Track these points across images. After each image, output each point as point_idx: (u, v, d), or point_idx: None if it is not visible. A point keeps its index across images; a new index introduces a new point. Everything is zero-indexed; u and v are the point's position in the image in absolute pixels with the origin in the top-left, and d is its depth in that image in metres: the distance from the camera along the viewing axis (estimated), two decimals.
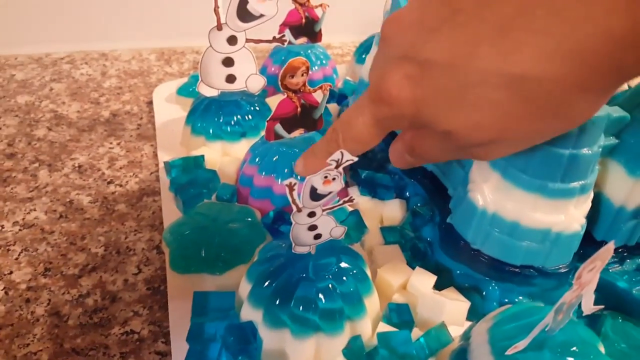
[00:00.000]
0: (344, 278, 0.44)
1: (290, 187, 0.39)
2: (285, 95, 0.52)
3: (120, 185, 0.62)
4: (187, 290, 0.48)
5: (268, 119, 0.53)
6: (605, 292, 0.49)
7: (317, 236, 0.43)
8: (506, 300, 0.48)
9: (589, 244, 0.50)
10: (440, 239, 0.52)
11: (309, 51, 0.73)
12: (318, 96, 0.54)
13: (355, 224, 0.54)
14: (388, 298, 0.48)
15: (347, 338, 0.44)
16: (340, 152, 0.38)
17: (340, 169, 0.39)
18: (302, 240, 0.43)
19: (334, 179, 0.40)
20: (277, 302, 0.43)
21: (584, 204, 0.46)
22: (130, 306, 0.49)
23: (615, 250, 0.50)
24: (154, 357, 0.46)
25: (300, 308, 0.42)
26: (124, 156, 0.66)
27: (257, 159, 0.56)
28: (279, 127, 0.54)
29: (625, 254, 0.50)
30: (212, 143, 0.63)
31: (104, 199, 0.60)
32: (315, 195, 0.40)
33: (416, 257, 0.53)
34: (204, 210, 0.53)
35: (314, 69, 0.72)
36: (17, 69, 0.81)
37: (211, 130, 0.63)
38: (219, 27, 0.60)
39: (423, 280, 0.48)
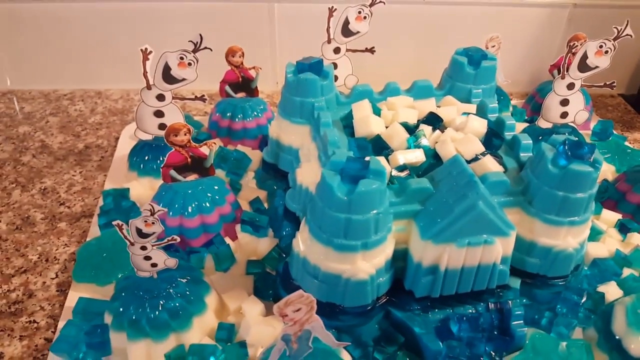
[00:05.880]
0: (176, 301, 0.56)
1: (119, 227, 0.52)
2: (174, 149, 0.66)
3: (69, 207, 0.78)
4: (83, 294, 0.62)
5: (162, 166, 0.67)
6: (404, 332, 0.59)
7: (154, 265, 0.56)
8: None
9: (401, 291, 0.60)
10: (282, 273, 0.63)
11: (247, 104, 0.86)
12: (205, 150, 0.67)
13: (226, 255, 0.67)
14: (225, 318, 0.60)
15: (172, 345, 0.56)
16: (151, 204, 0.51)
17: (156, 215, 0.52)
18: (142, 267, 0.56)
19: (153, 223, 0.53)
20: (121, 310, 0.56)
21: (375, 258, 0.55)
22: (40, 302, 0.64)
23: (419, 300, 0.59)
24: (42, 341, 0.60)
25: (134, 317, 0.55)
26: (81, 183, 0.82)
27: (160, 204, 0.68)
28: (174, 173, 0.68)
29: (428, 304, 0.59)
30: (141, 178, 0.77)
31: (52, 217, 0.76)
32: (141, 234, 0.53)
33: (267, 289, 0.64)
34: (111, 235, 0.68)
35: (248, 119, 0.85)
36: (28, 102, 1.00)
37: (142, 167, 0.77)
38: (149, 87, 0.75)
39: (252, 306, 0.60)
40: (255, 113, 0.86)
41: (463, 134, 0.64)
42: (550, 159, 0.57)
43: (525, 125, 0.88)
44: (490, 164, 0.60)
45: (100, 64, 1.05)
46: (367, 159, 0.54)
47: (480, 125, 0.65)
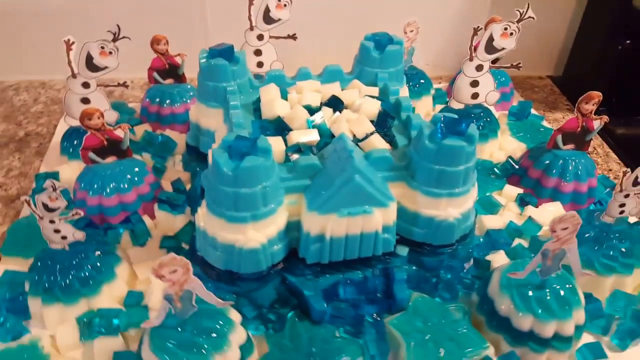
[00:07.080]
0: (86, 270, 0.62)
1: (27, 202, 0.58)
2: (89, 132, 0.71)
3: (5, 190, 0.82)
4: (11, 267, 0.68)
5: (80, 148, 0.72)
6: (297, 296, 0.64)
7: (64, 237, 0.61)
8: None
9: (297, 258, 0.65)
10: (190, 246, 0.68)
11: (175, 90, 0.91)
12: (120, 133, 0.72)
13: (142, 231, 0.72)
14: (135, 287, 0.66)
15: (84, 309, 0.61)
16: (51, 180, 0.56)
17: (58, 191, 0.57)
18: (53, 239, 0.61)
19: (56, 198, 0.58)
20: (36, 278, 0.61)
21: (266, 228, 0.61)
22: None
23: (310, 266, 0.64)
24: None
25: (47, 285, 0.61)
26: (18, 168, 0.87)
27: (82, 185, 0.74)
28: (93, 155, 0.72)
29: (319, 270, 0.64)
30: (71, 162, 0.82)
31: None
32: (47, 208, 0.58)
33: None
34: None
35: (175, 105, 0.90)
36: None
37: (71, 151, 0.82)
38: (74, 76, 0.79)
39: None
40: (184, 99, 0.91)
41: (358, 115, 0.69)
42: (428, 135, 0.62)
43: (444, 106, 0.94)
44: (376, 142, 0.65)
45: (46, 55, 1.09)
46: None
47: (372, 107, 0.70)
